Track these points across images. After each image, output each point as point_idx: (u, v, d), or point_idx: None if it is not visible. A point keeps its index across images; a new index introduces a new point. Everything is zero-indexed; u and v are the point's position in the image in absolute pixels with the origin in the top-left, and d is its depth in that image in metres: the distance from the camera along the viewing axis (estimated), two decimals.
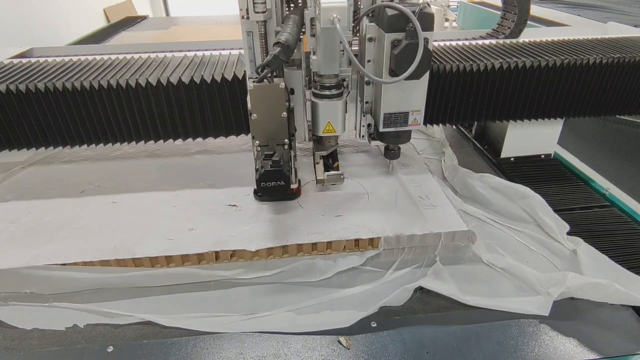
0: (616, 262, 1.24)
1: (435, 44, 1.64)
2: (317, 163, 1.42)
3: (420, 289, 1.19)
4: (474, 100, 1.52)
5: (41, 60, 1.55)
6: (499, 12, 2.99)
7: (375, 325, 1.10)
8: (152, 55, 1.56)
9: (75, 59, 1.55)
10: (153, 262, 1.22)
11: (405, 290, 1.17)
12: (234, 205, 1.41)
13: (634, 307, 1.14)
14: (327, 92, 1.21)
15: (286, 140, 1.18)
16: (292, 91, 1.27)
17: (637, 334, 1.08)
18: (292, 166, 1.30)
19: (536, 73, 1.48)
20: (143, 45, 1.89)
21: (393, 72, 1.13)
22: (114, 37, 3.13)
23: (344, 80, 1.24)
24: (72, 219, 1.36)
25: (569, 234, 1.36)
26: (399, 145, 1.42)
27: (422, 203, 1.40)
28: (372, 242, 1.28)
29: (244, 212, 1.37)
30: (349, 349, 1.05)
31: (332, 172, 1.38)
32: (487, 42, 1.67)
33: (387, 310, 1.14)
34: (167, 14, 7.04)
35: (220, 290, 1.21)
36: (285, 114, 1.15)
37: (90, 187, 1.53)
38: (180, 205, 1.42)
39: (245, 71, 1.33)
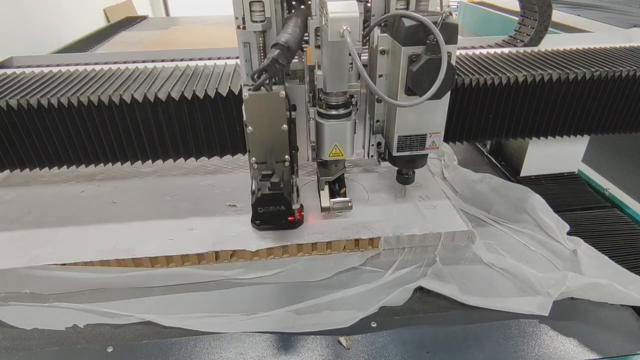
0: (616, 262, 1.24)
1: None
2: (322, 189, 1.29)
3: (420, 289, 1.19)
4: (493, 116, 1.41)
5: (18, 71, 1.44)
6: (499, 13, 3.00)
7: (375, 325, 1.10)
8: (140, 66, 1.46)
9: (56, 70, 1.45)
10: (153, 262, 1.22)
11: (405, 290, 1.17)
12: (234, 205, 1.41)
13: (634, 307, 1.14)
14: (333, 112, 1.07)
15: (287, 156, 1.05)
16: (293, 107, 1.16)
17: (637, 334, 1.08)
18: (294, 185, 1.19)
19: (564, 87, 1.37)
20: (131, 53, 1.78)
21: (410, 91, 1.01)
22: (114, 37, 3.13)
23: (352, 96, 1.11)
24: (72, 219, 1.36)
25: (569, 234, 1.36)
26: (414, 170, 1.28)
27: (422, 203, 1.40)
28: (372, 242, 1.28)
29: (244, 212, 1.37)
30: (349, 349, 1.05)
31: (338, 200, 1.26)
32: (506, 50, 1.56)
33: (387, 310, 1.14)
34: (167, 14, 7.03)
35: (220, 290, 1.21)
36: (285, 126, 1.01)
37: (90, 187, 1.53)
38: (180, 205, 1.42)
39: (241, 85, 1.21)
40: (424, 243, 1.29)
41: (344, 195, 1.31)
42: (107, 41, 3.00)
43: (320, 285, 1.22)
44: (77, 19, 4.14)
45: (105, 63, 1.61)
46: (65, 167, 1.36)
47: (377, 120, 1.19)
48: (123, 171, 1.61)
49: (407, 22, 0.94)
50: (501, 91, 1.36)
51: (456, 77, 1.32)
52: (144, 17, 4.04)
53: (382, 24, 1.05)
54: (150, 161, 1.38)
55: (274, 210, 1.01)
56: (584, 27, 2.31)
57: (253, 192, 1.01)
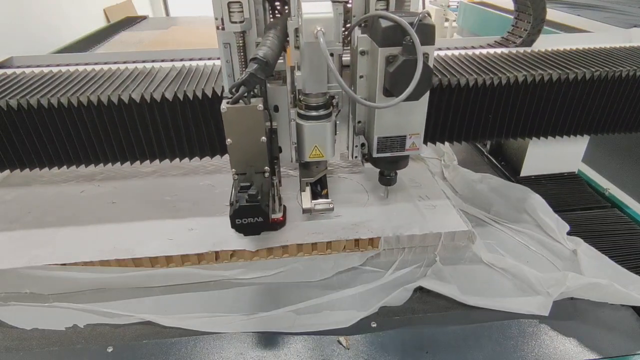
0: (616, 262, 1.24)
1: (449, 52, 1.54)
2: (304, 191, 1.28)
3: (420, 289, 1.19)
4: (493, 116, 1.40)
5: (18, 71, 1.44)
6: (499, 12, 2.99)
7: (375, 325, 1.10)
8: (140, 66, 1.47)
9: (56, 70, 1.45)
10: (153, 262, 1.22)
11: (405, 290, 1.17)
12: None
13: (634, 307, 1.14)
14: (313, 113, 1.07)
15: (266, 167, 1.06)
16: (276, 108, 1.16)
17: (637, 334, 1.08)
18: (276, 194, 1.21)
19: (564, 87, 1.37)
20: (131, 53, 1.78)
21: (388, 92, 1.01)
22: (114, 37, 3.14)
23: (333, 97, 1.10)
24: (72, 219, 1.36)
25: (569, 234, 1.36)
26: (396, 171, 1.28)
27: (422, 203, 1.40)
28: (372, 242, 1.28)
29: None
30: (348, 349, 1.05)
31: (320, 201, 1.24)
32: (506, 51, 1.57)
33: (387, 310, 1.14)
34: (167, 14, 7.03)
35: (220, 290, 1.21)
36: (264, 138, 1.01)
37: (90, 187, 1.53)
38: (180, 205, 1.42)
39: (223, 87, 1.22)
40: (424, 243, 1.29)
41: (326, 196, 1.30)
42: (107, 41, 3.00)
43: (320, 285, 1.22)
44: (77, 19, 4.14)
45: (105, 63, 1.61)
46: (65, 167, 1.36)
47: (359, 121, 1.19)
48: (123, 171, 1.61)
49: (384, 23, 0.94)
50: (501, 91, 1.36)
51: (453, 77, 1.32)
52: (144, 17, 4.04)
53: (363, 25, 1.05)
54: (149, 161, 1.38)
55: (252, 222, 1.01)
56: (584, 27, 2.31)
57: (231, 204, 1.01)
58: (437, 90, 1.31)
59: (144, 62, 1.61)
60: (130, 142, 1.32)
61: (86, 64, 1.55)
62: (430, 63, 0.97)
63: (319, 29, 0.88)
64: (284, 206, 1.34)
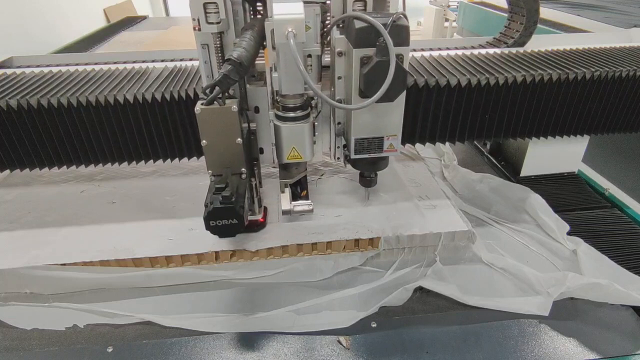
0: (616, 262, 1.24)
1: (444, 53, 1.54)
2: (283, 192, 1.25)
3: (420, 289, 1.19)
4: (493, 116, 1.40)
5: (18, 71, 1.44)
6: (499, 12, 2.99)
7: (375, 325, 1.10)
8: (140, 66, 1.47)
9: (56, 70, 1.45)
10: (153, 262, 1.22)
11: (405, 290, 1.17)
12: None
13: (634, 307, 1.14)
14: (291, 114, 1.06)
15: (243, 169, 1.06)
16: (256, 109, 1.16)
17: (637, 334, 1.08)
18: (255, 196, 1.21)
19: (564, 87, 1.37)
20: (131, 53, 1.79)
21: (363, 93, 0.99)
22: (114, 37, 3.14)
23: (312, 98, 1.09)
24: (72, 219, 1.36)
25: (569, 234, 1.36)
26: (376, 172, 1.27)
27: (422, 203, 1.40)
28: (372, 242, 1.28)
29: None
30: (349, 349, 1.05)
31: (299, 202, 1.21)
32: (505, 50, 1.57)
33: (387, 310, 1.14)
34: (167, 14, 7.04)
35: (220, 290, 1.21)
36: (240, 140, 1.01)
37: (90, 187, 1.53)
38: (180, 205, 1.42)
39: (202, 87, 1.17)
40: (424, 243, 1.29)
41: (306, 197, 1.29)
42: (107, 41, 3.00)
43: (320, 285, 1.22)
44: (77, 19, 4.15)
45: (105, 63, 1.61)
46: (65, 167, 1.36)
47: (339, 123, 1.19)
48: (123, 171, 1.61)
49: (358, 24, 0.93)
50: (501, 91, 1.36)
51: (447, 77, 1.31)
52: (144, 17, 4.04)
53: (341, 25, 1.04)
54: (146, 161, 1.38)
55: (226, 224, 0.99)
56: (584, 27, 2.31)
57: (206, 205, 0.99)
58: (437, 90, 1.32)
59: (143, 62, 1.61)
60: (126, 143, 1.33)
61: (86, 64, 1.55)
62: (406, 64, 0.96)
63: (289, 30, 0.88)
64: (265, 207, 1.34)
